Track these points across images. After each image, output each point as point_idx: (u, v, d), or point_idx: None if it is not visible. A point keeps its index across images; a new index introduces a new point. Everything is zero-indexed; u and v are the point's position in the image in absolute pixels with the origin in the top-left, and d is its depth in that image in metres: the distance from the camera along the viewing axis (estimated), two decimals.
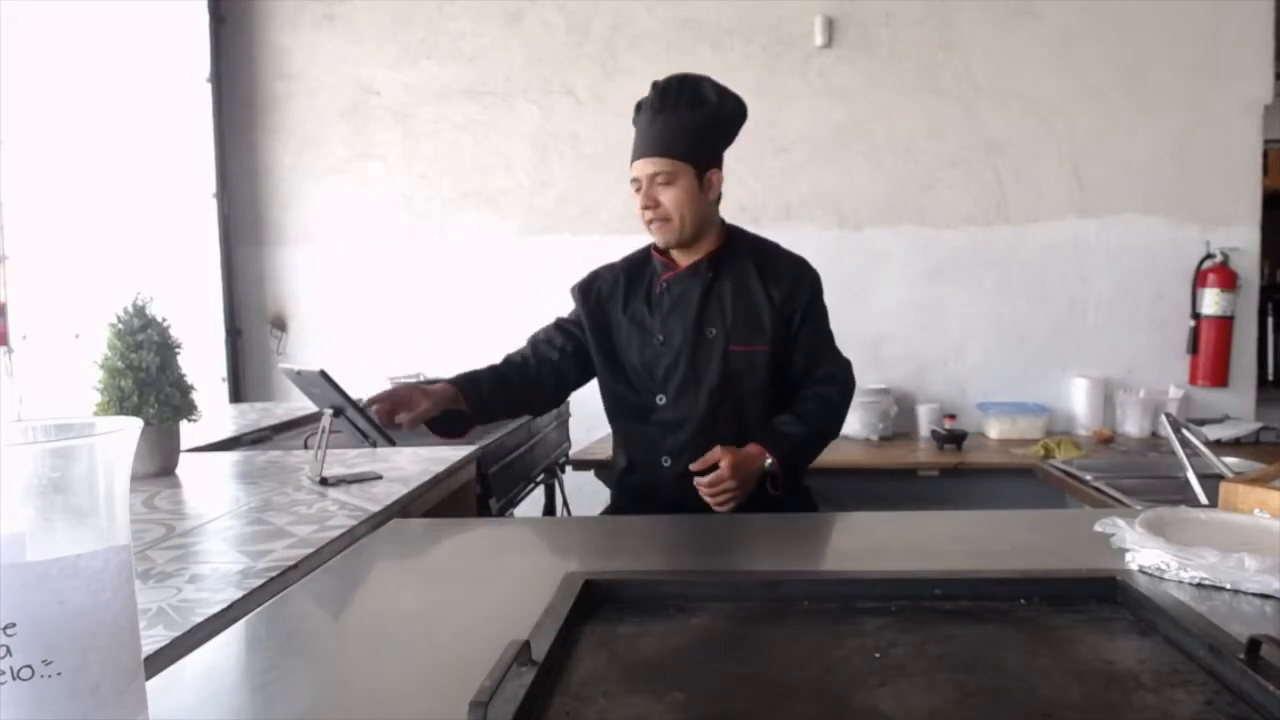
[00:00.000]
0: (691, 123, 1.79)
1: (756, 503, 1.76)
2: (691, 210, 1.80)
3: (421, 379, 3.30)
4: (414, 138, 4.17)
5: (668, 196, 1.79)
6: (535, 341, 2.00)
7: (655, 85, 1.82)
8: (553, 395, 2.01)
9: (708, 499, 1.70)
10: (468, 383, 1.87)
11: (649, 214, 1.81)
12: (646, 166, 1.80)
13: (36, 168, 3.13)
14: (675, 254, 1.90)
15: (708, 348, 1.84)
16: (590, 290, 1.96)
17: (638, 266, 1.96)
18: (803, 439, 1.81)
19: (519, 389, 1.94)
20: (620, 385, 1.92)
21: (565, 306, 2.04)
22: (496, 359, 1.99)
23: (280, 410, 3.15)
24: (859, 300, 3.85)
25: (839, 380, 1.89)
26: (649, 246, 1.95)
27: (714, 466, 1.71)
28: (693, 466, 1.73)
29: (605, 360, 1.93)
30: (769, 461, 1.74)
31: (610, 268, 1.99)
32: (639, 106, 1.86)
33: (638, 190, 1.82)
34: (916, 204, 3.94)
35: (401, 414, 1.77)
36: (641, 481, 1.92)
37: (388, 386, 1.80)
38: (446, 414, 1.84)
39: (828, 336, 1.93)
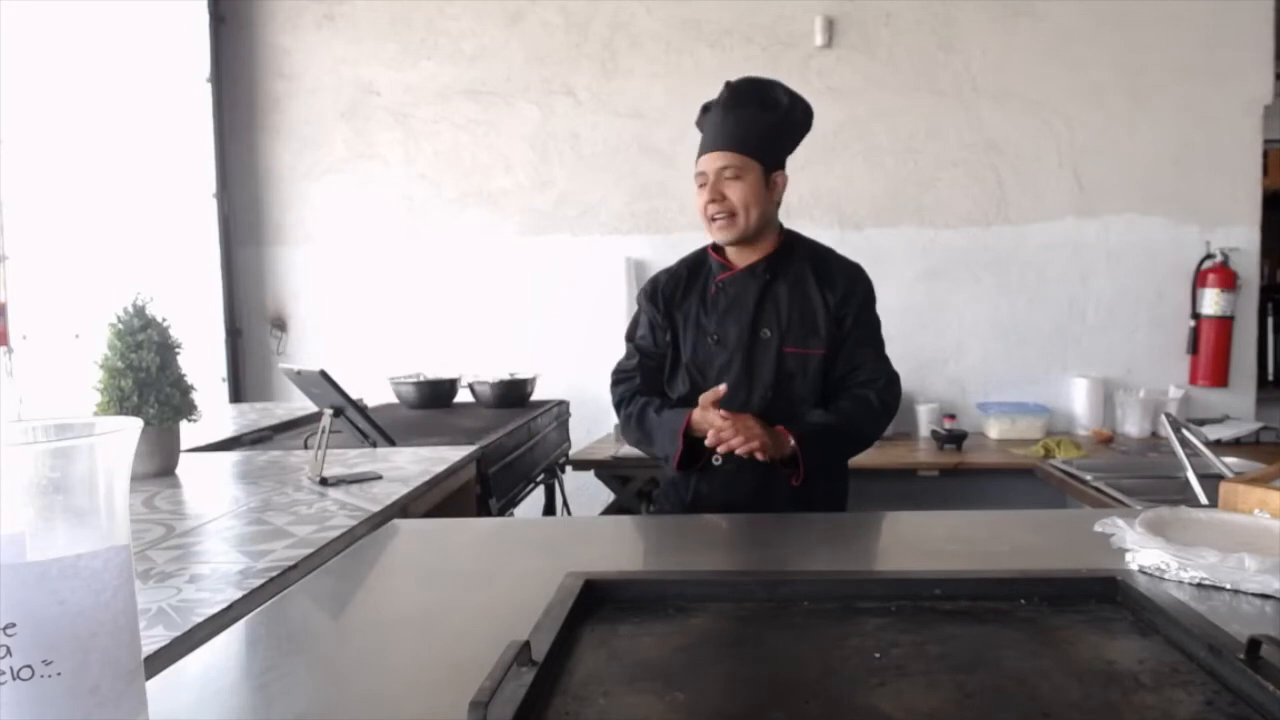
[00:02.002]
0: (763, 122, 1.81)
1: (789, 500, 1.76)
2: (756, 207, 1.81)
3: (421, 379, 3.31)
4: (414, 138, 4.17)
5: (734, 191, 1.79)
6: (644, 375, 1.97)
7: (729, 84, 1.83)
8: None
9: (722, 436, 1.69)
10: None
11: (714, 208, 1.80)
12: (715, 160, 1.80)
13: (36, 168, 3.13)
14: (732, 255, 1.90)
15: (763, 349, 1.83)
16: (656, 294, 1.95)
17: (695, 267, 1.96)
18: (826, 426, 1.79)
19: None
20: (674, 383, 1.92)
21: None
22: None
23: (280, 410, 3.16)
24: None
25: (878, 386, 1.86)
26: (706, 247, 1.96)
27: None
28: (723, 415, 1.71)
29: (669, 357, 1.94)
30: (791, 442, 1.74)
31: (668, 270, 1.99)
32: (706, 107, 1.88)
33: (702, 185, 1.82)
34: (916, 204, 3.94)
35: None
36: (688, 480, 1.91)
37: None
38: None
39: (877, 345, 1.91)
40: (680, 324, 1.91)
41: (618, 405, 1.97)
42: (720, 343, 1.86)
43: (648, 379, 1.95)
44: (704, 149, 1.83)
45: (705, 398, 1.77)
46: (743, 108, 1.81)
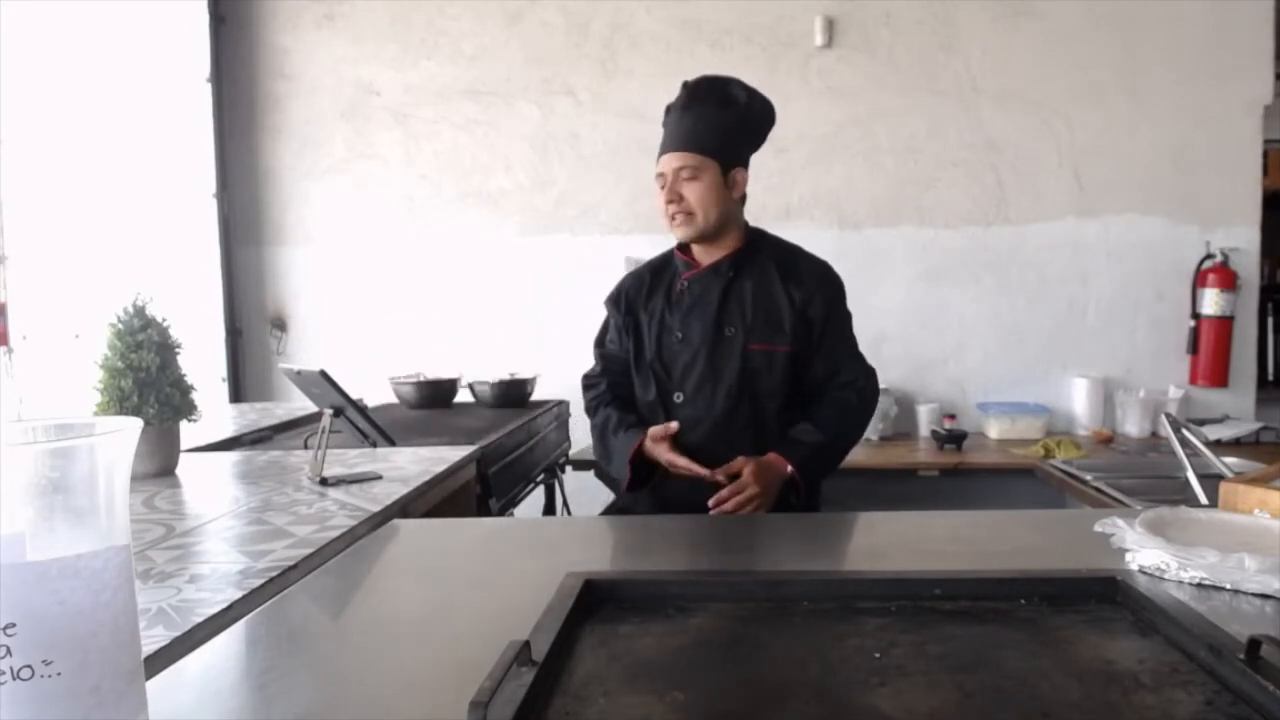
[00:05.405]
0: (719, 120, 1.81)
1: (773, 506, 1.76)
2: (715, 206, 1.82)
3: (421, 379, 3.31)
4: (414, 138, 4.17)
5: (691, 191, 1.80)
6: (609, 381, 2.01)
7: (685, 84, 1.84)
8: None
9: (731, 509, 1.71)
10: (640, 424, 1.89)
11: (672, 208, 1.82)
12: (672, 161, 1.81)
13: (36, 168, 3.13)
14: (697, 253, 1.91)
15: (726, 346, 1.84)
16: (620, 298, 1.99)
17: (661, 267, 1.98)
18: (819, 445, 1.81)
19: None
20: (639, 382, 1.92)
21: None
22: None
23: (280, 410, 3.16)
24: (859, 300, 3.77)
25: (859, 387, 1.89)
26: (674, 248, 1.96)
27: (735, 476, 1.72)
28: (717, 474, 1.73)
29: (632, 359, 1.95)
30: (789, 469, 1.75)
31: (635, 273, 2.01)
32: (669, 109, 1.88)
33: (663, 186, 1.83)
34: (916, 204, 3.94)
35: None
36: (656, 480, 1.92)
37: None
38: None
39: (850, 344, 1.93)
40: (645, 323, 1.92)
41: (587, 412, 2.01)
42: (684, 340, 1.87)
43: (614, 386, 1.98)
44: (662, 150, 1.84)
45: (655, 431, 1.79)
46: (699, 107, 1.81)
